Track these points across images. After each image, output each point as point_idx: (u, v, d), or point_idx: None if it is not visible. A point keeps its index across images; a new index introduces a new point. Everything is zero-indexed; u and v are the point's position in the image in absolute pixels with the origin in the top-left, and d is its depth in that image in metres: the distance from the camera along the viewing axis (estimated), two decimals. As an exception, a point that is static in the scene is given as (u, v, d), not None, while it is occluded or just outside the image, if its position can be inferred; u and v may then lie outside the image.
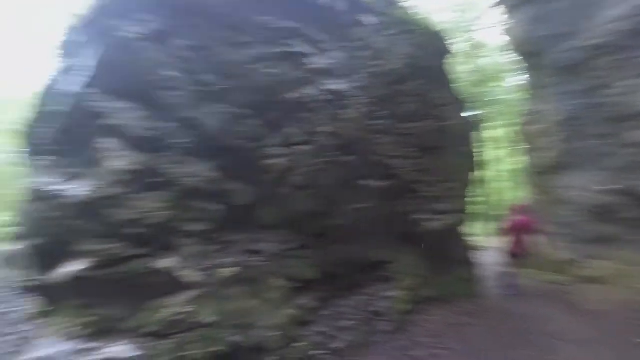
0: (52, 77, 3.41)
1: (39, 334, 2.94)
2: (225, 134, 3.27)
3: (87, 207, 2.62)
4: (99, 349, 2.66)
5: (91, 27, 3.40)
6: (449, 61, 5.30)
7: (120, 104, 2.96)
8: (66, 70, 3.36)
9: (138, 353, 2.65)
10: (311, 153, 3.46)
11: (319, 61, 3.80)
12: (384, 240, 3.97)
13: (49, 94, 3.29)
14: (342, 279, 3.92)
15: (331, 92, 3.81)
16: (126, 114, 2.94)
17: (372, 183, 3.69)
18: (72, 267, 2.67)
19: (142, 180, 2.77)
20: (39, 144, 3.00)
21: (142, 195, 2.73)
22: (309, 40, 3.77)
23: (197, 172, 3.00)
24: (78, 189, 2.64)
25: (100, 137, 2.80)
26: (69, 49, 3.59)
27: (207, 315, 2.93)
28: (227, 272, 3.12)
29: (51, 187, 2.68)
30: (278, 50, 3.59)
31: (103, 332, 2.74)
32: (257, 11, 3.49)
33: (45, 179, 2.76)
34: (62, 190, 2.66)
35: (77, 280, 2.69)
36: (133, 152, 2.83)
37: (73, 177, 2.73)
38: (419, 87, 4.44)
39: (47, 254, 2.80)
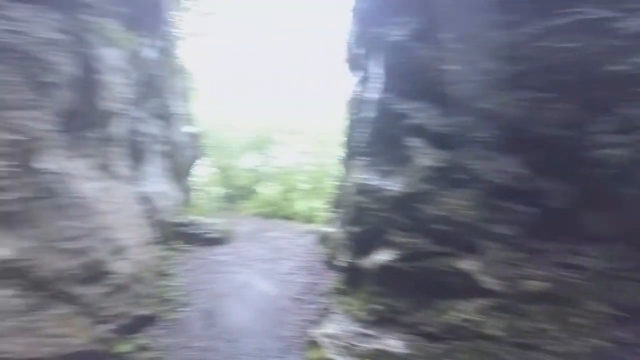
0: (354, 89, 4.16)
1: (334, 310, 3.52)
2: (530, 123, 2.78)
3: (399, 202, 2.93)
4: (376, 337, 2.88)
5: (362, 39, 3.88)
6: None
7: (415, 104, 3.13)
8: (362, 81, 3.98)
9: (407, 351, 2.69)
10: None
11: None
12: None
13: (356, 103, 4.03)
14: None
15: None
16: (422, 113, 3.07)
17: None
18: (381, 256, 3.05)
19: (447, 177, 2.78)
20: (355, 146, 3.68)
21: (448, 192, 2.74)
22: (603, 3, 2.64)
23: (503, 168, 2.68)
24: (392, 184, 3.00)
25: (407, 137, 3.04)
26: (355, 62, 4.27)
27: (493, 328, 2.63)
28: (534, 285, 2.65)
29: (371, 183, 3.20)
30: (565, 21, 2.73)
31: (385, 321, 2.97)
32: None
33: (365, 176, 3.32)
34: (379, 186, 3.11)
35: (381, 268, 3.06)
36: (436, 149, 2.89)
37: (387, 174, 3.13)
38: None
39: (362, 241, 3.37)
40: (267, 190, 6.98)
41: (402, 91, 3.24)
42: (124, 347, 3.37)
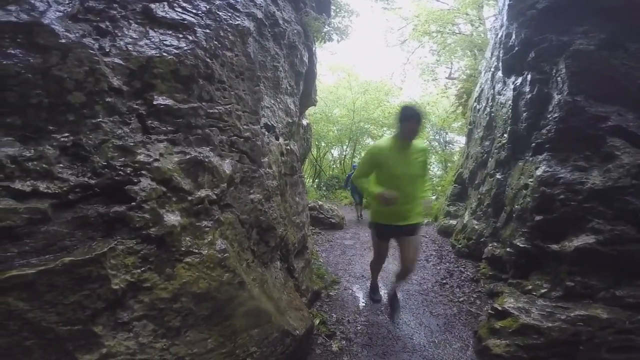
0: (516, 89, 4.52)
1: (504, 290, 3.71)
2: None
3: (596, 194, 3.27)
4: (574, 308, 2.98)
5: (531, 44, 4.22)
6: None
7: (611, 107, 3.49)
8: (531, 83, 4.32)
9: (612, 316, 2.80)
10: None
11: None
12: None
13: (520, 102, 4.38)
14: None
15: None
16: (620, 117, 3.43)
17: None
18: (577, 241, 3.36)
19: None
20: (522, 142, 4.02)
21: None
22: None
23: None
24: (591, 177, 3.35)
25: (605, 137, 3.40)
26: (514, 64, 4.63)
27: None
28: None
29: (562, 175, 3.56)
30: None
31: (580, 296, 3.14)
32: None
33: (550, 169, 3.69)
34: (574, 178, 3.47)
35: (577, 251, 3.33)
36: (636, 148, 3.26)
37: (581, 168, 3.49)
38: None
39: (545, 228, 3.65)
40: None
41: (593, 95, 3.59)
42: (315, 322, 3.33)
